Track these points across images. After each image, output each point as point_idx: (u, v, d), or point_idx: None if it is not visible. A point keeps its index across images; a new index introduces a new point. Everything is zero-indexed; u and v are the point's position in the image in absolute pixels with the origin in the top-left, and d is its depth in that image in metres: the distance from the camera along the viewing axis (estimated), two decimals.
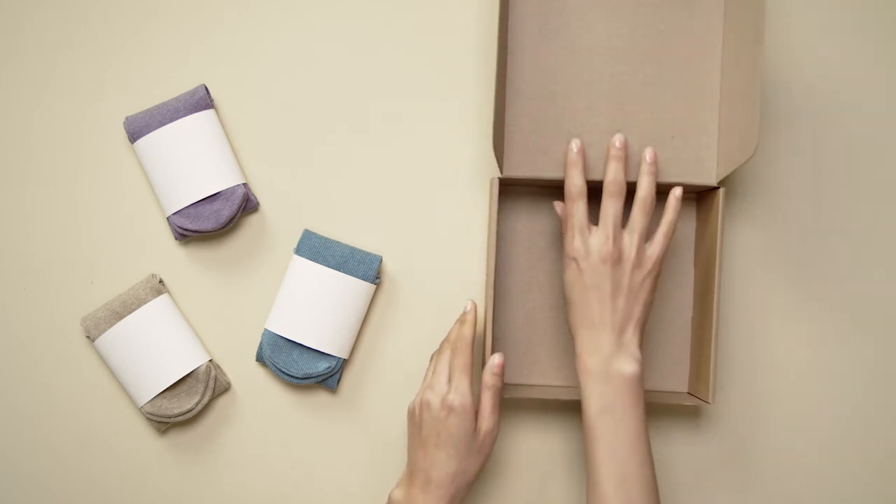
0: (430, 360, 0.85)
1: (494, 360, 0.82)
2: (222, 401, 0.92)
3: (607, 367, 0.79)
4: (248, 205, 0.90)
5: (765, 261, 0.92)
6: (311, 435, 0.92)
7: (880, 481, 0.92)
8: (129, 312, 0.88)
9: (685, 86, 0.89)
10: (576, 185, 0.83)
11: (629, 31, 0.89)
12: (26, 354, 0.92)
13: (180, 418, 0.88)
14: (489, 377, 0.82)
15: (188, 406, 0.88)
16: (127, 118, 0.90)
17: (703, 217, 0.89)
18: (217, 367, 0.91)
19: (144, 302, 0.89)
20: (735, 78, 0.85)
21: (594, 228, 0.82)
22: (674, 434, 0.92)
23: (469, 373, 0.81)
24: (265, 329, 0.89)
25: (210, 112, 0.90)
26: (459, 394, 0.80)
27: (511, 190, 0.91)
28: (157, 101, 0.91)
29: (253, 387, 0.92)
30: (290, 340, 0.88)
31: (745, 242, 0.92)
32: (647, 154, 0.83)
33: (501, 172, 0.86)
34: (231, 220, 0.89)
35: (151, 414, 0.88)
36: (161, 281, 0.91)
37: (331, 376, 0.89)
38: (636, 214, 0.82)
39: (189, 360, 0.89)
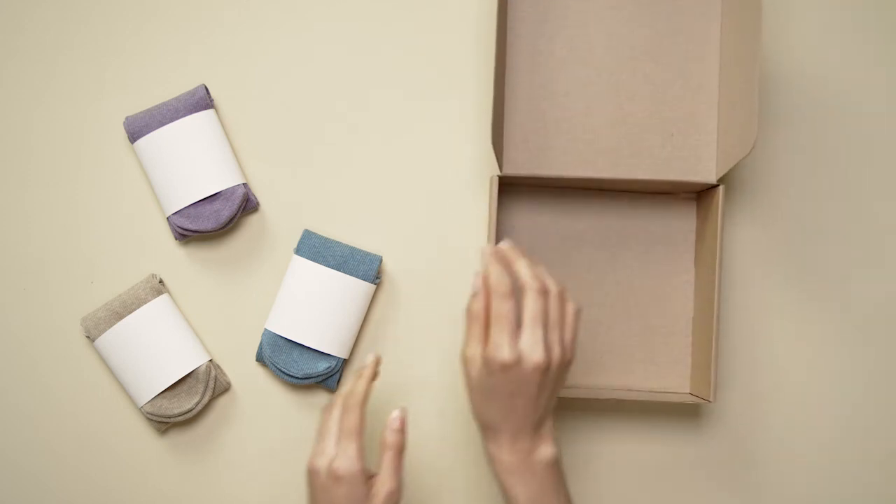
0: (321, 413, 0.81)
1: (394, 415, 0.77)
2: (222, 401, 0.92)
3: (529, 460, 0.74)
4: (248, 205, 0.90)
5: (765, 259, 0.92)
6: (310, 435, 0.91)
7: (881, 481, 0.92)
8: (129, 312, 0.88)
9: (684, 84, 0.89)
10: (504, 282, 0.74)
11: (628, 29, 0.89)
12: (26, 354, 0.92)
13: (180, 418, 0.88)
14: (389, 435, 0.77)
15: (188, 406, 0.88)
16: (127, 118, 0.90)
17: (703, 216, 0.89)
18: (217, 367, 0.91)
19: (144, 302, 0.89)
20: (733, 75, 0.85)
21: (520, 330, 0.73)
22: (675, 433, 0.92)
23: (358, 435, 0.76)
24: (265, 329, 0.89)
25: (210, 112, 0.90)
26: (346, 459, 0.75)
27: (511, 188, 0.91)
28: (157, 101, 0.91)
29: (253, 387, 0.92)
30: (290, 340, 0.88)
31: (746, 241, 0.92)
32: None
33: (501, 170, 0.86)
34: (231, 220, 0.89)
35: (151, 414, 0.88)
36: (161, 281, 0.91)
37: (331, 376, 0.89)
38: (554, 311, 0.75)
39: (189, 360, 0.89)
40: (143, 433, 0.92)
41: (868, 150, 0.93)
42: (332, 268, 0.88)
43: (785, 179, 0.92)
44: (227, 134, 0.91)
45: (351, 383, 0.79)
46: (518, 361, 0.72)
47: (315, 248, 0.88)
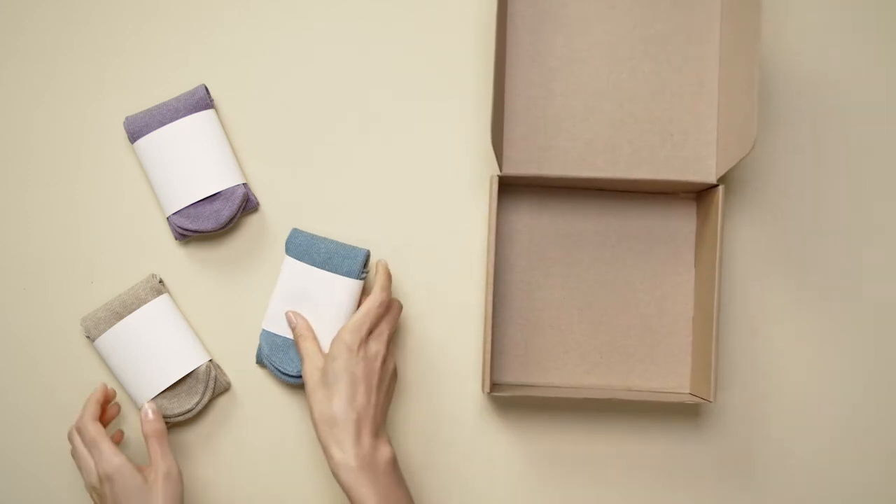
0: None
1: (144, 408, 0.84)
2: (222, 401, 0.92)
3: (372, 459, 0.79)
4: (248, 205, 0.90)
5: (765, 259, 0.92)
6: (311, 435, 0.91)
7: (881, 481, 0.92)
8: (129, 312, 0.88)
9: (683, 84, 0.89)
10: (382, 297, 0.84)
11: (627, 29, 0.89)
12: (26, 354, 0.92)
13: (180, 418, 0.88)
14: (146, 426, 0.83)
15: (188, 406, 0.88)
16: (127, 118, 0.90)
17: (702, 216, 0.89)
18: (217, 367, 0.91)
19: (144, 302, 0.89)
20: (733, 75, 0.85)
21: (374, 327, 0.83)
22: (675, 433, 0.92)
23: (102, 438, 0.81)
24: (262, 329, 0.89)
25: (210, 112, 0.90)
26: (104, 460, 0.80)
27: (510, 188, 0.91)
28: (157, 101, 0.91)
29: (253, 387, 0.92)
30: (287, 339, 0.88)
31: (746, 241, 0.92)
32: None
33: (501, 170, 0.86)
34: (231, 220, 0.89)
35: None
36: (161, 281, 0.91)
37: None
38: (390, 321, 0.84)
39: (189, 359, 0.89)
40: None
41: (868, 149, 0.93)
42: (318, 266, 0.88)
43: (785, 179, 0.92)
44: (227, 134, 0.91)
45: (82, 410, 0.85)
46: (364, 343, 0.81)
47: (302, 246, 0.88)
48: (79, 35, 0.92)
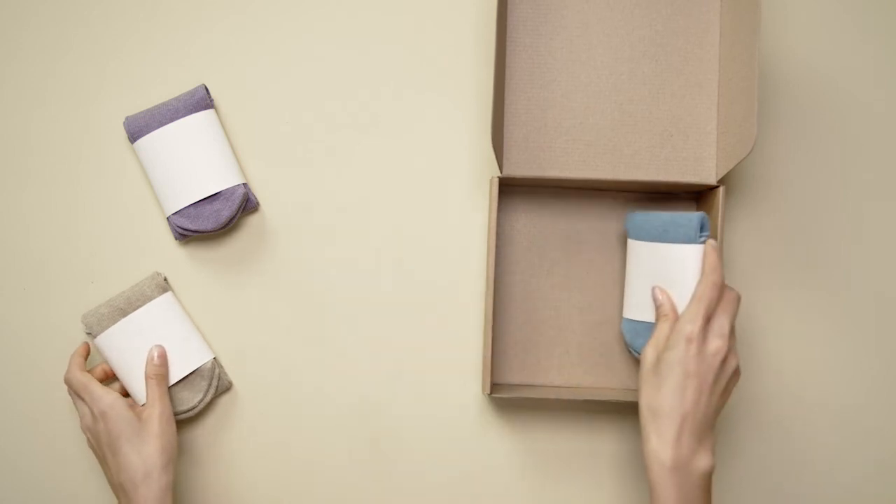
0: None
1: (154, 352, 0.86)
2: (223, 401, 0.92)
3: (688, 463, 0.75)
4: (248, 205, 0.90)
5: (766, 259, 0.92)
6: (312, 435, 0.91)
7: (881, 481, 0.92)
8: (134, 309, 0.88)
9: (683, 84, 0.89)
10: (721, 274, 0.80)
11: (627, 30, 0.89)
12: (26, 354, 0.92)
13: (184, 415, 0.88)
14: (149, 368, 0.85)
15: (192, 403, 0.88)
16: (127, 118, 0.90)
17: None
18: (219, 365, 0.91)
19: (150, 299, 0.89)
20: (733, 75, 0.85)
21: (713, 319, 0.78)
22: None
23: (91, 380, 0.84)
24: (623, 318, 0.88)
25: (210, 112, 0.90)
26: (97, 399, 0.82)
27: (511, 189, 0.91)
28: (157, 101, 0.91)
29: (253, 387, 0.92)
30: (649, 323, 0.86)
31: (746, 241, 0.92)
32: None
33: (501, 172, 0.86)
34: (231, 220, 0.89)
35: None
36: (166, 279, 0.91)
37: None
38: (735, 313, 0.79)
39: (194, 356, 0.89)
40: None
41: (868, 150, 0.93)
42: (656, 240, 0.85)
43: (785, 180, 0.92)
44: (227, 134, 0.91)
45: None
46: (703, 338, 0.76)
47: (638, 225, 0.87)
48: (79, 35, 0.92)
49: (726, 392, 0.78)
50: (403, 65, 0.92)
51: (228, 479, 0.92)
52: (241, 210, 0.89)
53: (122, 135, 0.92)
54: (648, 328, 0.87)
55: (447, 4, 0.92)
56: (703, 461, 0.76)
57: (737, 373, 0.79)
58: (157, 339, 0.88)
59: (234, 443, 0.92)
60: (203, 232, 0.89)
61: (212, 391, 0.89)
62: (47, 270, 0.92)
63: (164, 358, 0.86)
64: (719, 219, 0.84)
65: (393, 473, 0.92)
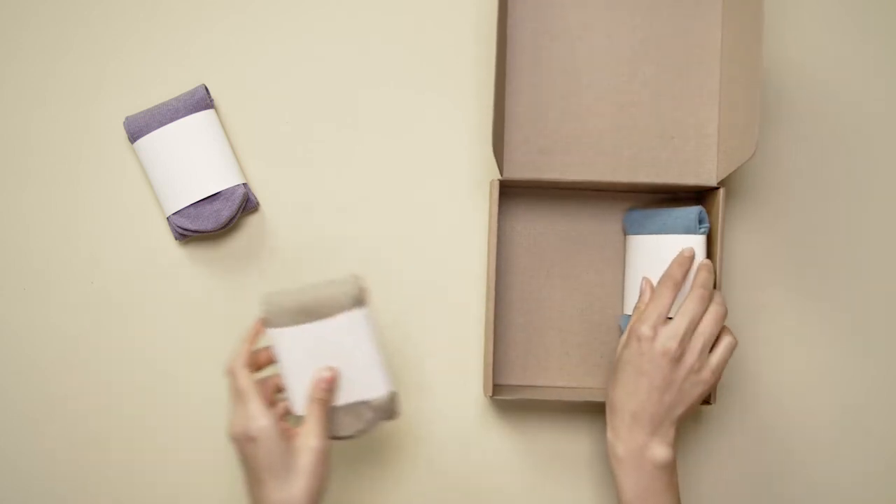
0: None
1: (324, 374, 0.76)
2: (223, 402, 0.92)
3: (640, 455, 0.78)
4: (248, 205, 0.90)
5: (766, 261, 0.92)
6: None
7: (881, 482, 0.92)
8: (322, 317, 0.76)
9: (684, 86, 0.89)
10: (677, 278, 0.81)
11: (628, 31, 0.89)
12: (26, 354, 0.92)
13: (337, 441, 0.81)
14: (316, 391, 0.76)
15: (350, 431, 0.79)
16: (127, 118, 0.90)
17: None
18: (396, 399, 0.80)
19: (342, 310, 0.76)
20: (734, 77, 0.85)
21: (669, 321, 0.79)
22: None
23: (251, 394, 0.74)
24: (623, 315, 0.89)
25: (210, 112, 0.90)
26: (251, 419, 0.73)
27: (511, 192, 0.91)
28: (157, 101, 0.91)
29: None
30: None
31: (747, 242, 0.92)
32: None
33: (501, 174, 0.86)
34: (231, 220, 0.89)
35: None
36: (364, 288, 0.78)
37: None
38: (709, 323, 0.79)
39: (370, 387, 0.78)
40: (146, 436, 0.92)
41: (869, 151, 0.92)
42: (656, 233, 0.87)
43: (785, 181, 0.92)
44: (227, 134, 0.91)
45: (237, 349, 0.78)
46: (651, 338, 0.78)
47: (638, 221, 0.88)
48: (79, 35, 0.92)
49: (683, 392, 0.79)
50: (403, 65, 0.92)
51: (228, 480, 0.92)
52: (241, 210, 0.89)
53: (122, 135, 0.92)
54: None
55: (447, 4, 0.92)
56: (656, 453, 0.78)
57: (699, 378, 0.79)
58: (336, 358, 0.77)
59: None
60: (203, 232, 0.89)
61: (376, 426, 0.80)
62: (47, 270, 0.92)
63: (334, 384, 0.76)
64: (719, 220, 0.84)
65: (393, 474, 0.92)
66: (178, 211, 0.89)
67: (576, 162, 0.88)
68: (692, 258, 0.83)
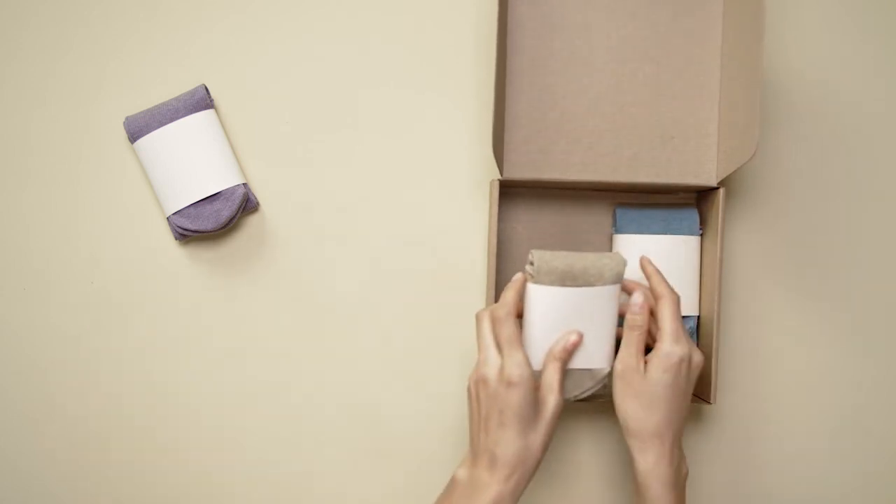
0: (476, 328, 0.80)
1: (572, 338, 0.79)
2: (230, 406, 0.92)
3: (679, 473, 0.78)
4: (248, 205, 0.90)
5: (766, 260, 0.92)
6: (311, 434, 0.91)
7: (881, 482, 0.92)
8: (584, 285, 0.79)
9: (685, 86, 0.89)
10: (675, 296, 0.80)
11: (628, 31, 0.89)
12: (26, 354, 0.92)
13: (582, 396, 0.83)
14: (559, 351, 0.78)
15: (567, 395, 0.82)
16: (127, 118, 0.90)
17: (703, 217, 0.89)
18: (609, 377, 0.82)
19: (603, 282, 0.79)
20: (735, 78, 0.84)
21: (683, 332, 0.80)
22: None
23: (519, 343, 0.76)
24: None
25: (210, 112, 0.90)
26: (516, 366, 0.75)
27: (511, 191, 0.91)
28: (157, 101, 0.91)
29: (253, 386, 0.92)
30: None
31: (746, 243, 0.92)
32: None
33: (501, 174, 0.86)
34: (231, 220, 0.89)
35: None
36: (625, 262, 0.80)
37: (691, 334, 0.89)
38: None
39: (599, 357, 0.81)
40: (143, 433, 0.92)
41: (869, 151, 0.92)
42: (658, 233, 0.87)
43: (785, 181, 0.92)
44: (227, 134, 0.91)
45: (501, 296, 0.80)
46: (689, 355, 0.78)
47: (634, 221, 0.88)
48: (79, 35, 0.92)
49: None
50: (403, 65, 0.92)
51: (232, 483, 0.92)
52: (241, 210, 0.89)
53: (122, 135, 0.92)
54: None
55: (447, 4, 0.92)
56: (685, 466, 0.79)
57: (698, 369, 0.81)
58: (582, 323, 0.80)
59: (236, 431, 0.92)
60: (203, 232, 0.89)
61: (590, 395, 0.83)
62: (47, 270, 0.92)
63: (576, 348, 0.79)
64: (719, 220, 0.84)
65: (393, 474, 0.92)
66: (178, 211, 0.89)
67: (576, 162, 0.88)
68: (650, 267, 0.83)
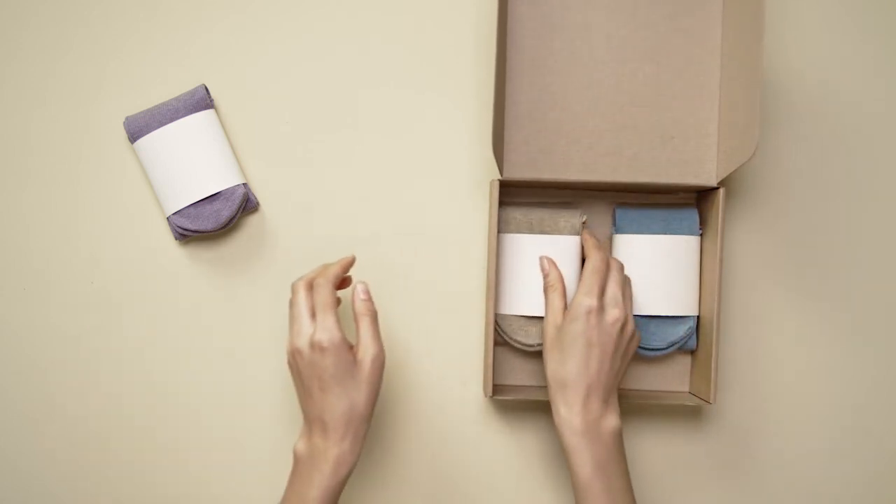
0: (289, 302, 0.83)
1: (359, 287, 0.82)
2: (234, 408, 0.92)
3: (597, 425, 0.79)
4: (248, 205, 0.90)
5: (766, 260, 0.92)
6: None
7: (880, 482, 0.92)
8: (544, 232, 0.88)
9: (685, 86, 0.89)
10: (602, 252, 0.84)
11: (628, 31, 0.89)
12: (26, 354, 0.92)
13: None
14: (360, 305, 0.81)
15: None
16: (127, 118, 0.90)
17: (703, 217, 0.89)
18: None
19: (561, 232, 0.88)
20: (735, 78, 0.84)
21: (606, 290, 0.82)
22: (675, 434, 0.92)
23: (332, 308, 0.79)
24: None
25: (210, 112, 0.90)
26: (326, 330, 0.78)
27: (511, 192, 0.91)
28: (157, 101, 0.91)
29: (252, 386, 0.92)
30: (643, 316, 0.88)
31: (746, 243, 0.92)
32: None
33: (501, 174, 0.86)
34: (231, 220, 0.89)
35: None
36: (585, 222, 0.89)
37: (690, 337, 0.89)
38: (621, 278, 0.83)
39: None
40: (145, 434, 0.92)
41: (869, 151, 0.92)
42: (658, 233, 0.88)
43: (785, 181, 0.92)
44: (227, 134, 0.91)
45: (319, 270, 0.83)
46: (601, 309, 0.80)
47: (635, 221, 0.88)
48: (79, 35, 0.92)
49: (626, 355, 0.82)
50: (403, 65, 0.92)
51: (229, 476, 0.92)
52: (241, 210, 0.89)
53: (122, 135, 0.92)
54: (650, 322, 0.87)
55: (447, 4, 0.92)
56: (610, 422, 0.79)
57: (634, 337, 0.82)
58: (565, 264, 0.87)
59: (239, 442, 0.92)
60: (203, 232, 0.89)
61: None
62: (47, 270, 0.92)
63: (369, 294, 0.82)
64: (720, 220, 0.84)
65: (394, 474, 0.92)
66: (178, 211, 0.89)
67: (576, 162, 0.88)
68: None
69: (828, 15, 0.92)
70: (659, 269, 0.87)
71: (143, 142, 0.89)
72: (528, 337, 0.88)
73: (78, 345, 0.92)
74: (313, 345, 0.78)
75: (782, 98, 0.92)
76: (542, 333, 0.86)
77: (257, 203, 0.91)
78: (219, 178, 0.88)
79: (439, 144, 0.92)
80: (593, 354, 0.79)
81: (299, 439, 0.80)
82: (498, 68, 0.81)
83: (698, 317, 0.89)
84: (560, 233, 0.87)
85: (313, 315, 0.79)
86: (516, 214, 0.87)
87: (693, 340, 0.89)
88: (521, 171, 0.88)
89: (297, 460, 0.80)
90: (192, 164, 0.88)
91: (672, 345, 0.88)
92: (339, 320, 0.78)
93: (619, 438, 0.80)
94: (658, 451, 0.92)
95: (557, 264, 0.86)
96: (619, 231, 0.89)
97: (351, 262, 0.85)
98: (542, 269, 0.86)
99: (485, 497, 0.92)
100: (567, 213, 0.88)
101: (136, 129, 0.89)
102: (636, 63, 0.89)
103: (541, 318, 0.87)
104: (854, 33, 0.92)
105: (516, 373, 0.91)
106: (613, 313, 0.80)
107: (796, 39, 0.92)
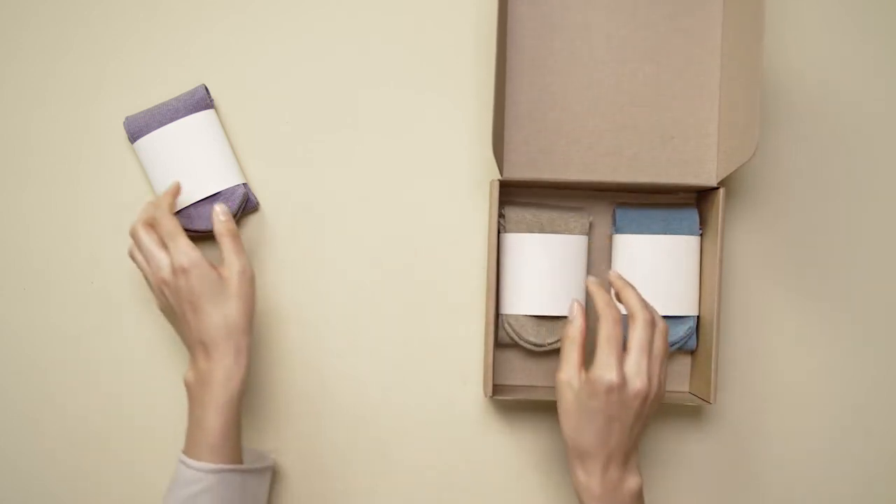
0: (133, 248, 0.83)
1: (217, 208, 0.82)
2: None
3: (618, 490, 0.76)
4: (248, 205, 0.90)
5: (766, 260, 0.92)
6: (312, 434, 0.91)
7: (880, 482, 0.92)
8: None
9: (685, 86, 0.89)
10: (616, 308, 0.77)
11: (628, 31, 0.89)
12: (26, 354, 0.92)
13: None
14: (219, 225, 0.81)
15: None
16: (127, 118, 0.90)
17: (703, 217, 0.89)
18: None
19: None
20: (735, 78, 0.84)
21: (625, 354, 0.76)
22: (675, 434, 0.92)
23: (182, 232, 0.80)
24: (623, 314, 0.88)
25: (210, 112, 0.90)
26: (182, 253, 0.78)
27: (511, 192, 0.91)
28: (157, 101, 0.91)
29: (252, 386, 0.92)
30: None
31: (746, 243, 0.92)
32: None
33: (501, 174, 0.86)
34: None
35: None
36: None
37: (690, 337, 0.89)
38: (661, 344, 0.77)
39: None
40: (145, 435, 0.92)
41: (869, 151, 0.92)
42: (657, 233, 0.87)
43: (785, 181, 0.92)
44: (227, 134, 0.91)
45: (147, 207, 0.83)
46: (623, 385, 0.75)
47: (635, 221, 0.88)
48: (79, 35, 0.92)
49: (649, 416, 0.78)
50: (403, 65, 0.92)
51: None
52: (241, 210, 0.89)
53: (122, 135, 0.92)
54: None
55: (447, 4, 0.92)
56: (630, 484, 0.77)
57: (657, 399, 0.77)
58: (554, 269, 0.86)
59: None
60: (203, 232, 0.89)
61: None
62: (47, 270, 0.92)
63: (229, 214, 0.82)
64: (719, 220, 0.84)
65: (394, 474, 0.92)
66: (178, 211, 0.89)
67: (576, 162, 0.88)
68: (618, 278, 0.81)
69: (828, 15, 0.92)
70: (659, 270, 0.87)
71: (143, 142, 0.89)
72: (538, 337, 0.88)
73: (78, 345, 0.92)
74: (175, 270, 0.78)
75: (782, 98, 0.92)
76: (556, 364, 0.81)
77: (257, 203, 0.91)
78: (219, 178, 0.88)
79: (439, 144, 0.92)
80: (614, 429, 0.76)
81: (187, 371, 0.80)
82: (498, 68, 0.81)
83: (698, 317, 0.89)
84: (570, 233, 0.87)
85: (164, 247, 0.80)
86: (526, 215, 0.88)
87: (693, 340, 0.89)
88: (521, 171, 0.88)
89: (189, 389, 0.80)
90: (192, 164, 0.88)
91: (672, 345, 0.88)
92: (190, 241, 0.79)
93: (639, 498, 0.77)
94: (658, 451, 0.92)
95: (566, 264, 0.86)
96: (619, 231, 0.89)
97: (177, 190, 0.85)
98: (570, 313, 0.79)
99: (485, 497, 0.92)
100: (577, 215, 0.88)
101: (136, 129, 0.89)
102: (636, 63, 0.89)
103: (551, 317, 0.87)
104: (854, 33, 0.92)
105: (516, 373, 0.91)
106: (636, 386, 0.75)
107: (796, 39, 0.92)
